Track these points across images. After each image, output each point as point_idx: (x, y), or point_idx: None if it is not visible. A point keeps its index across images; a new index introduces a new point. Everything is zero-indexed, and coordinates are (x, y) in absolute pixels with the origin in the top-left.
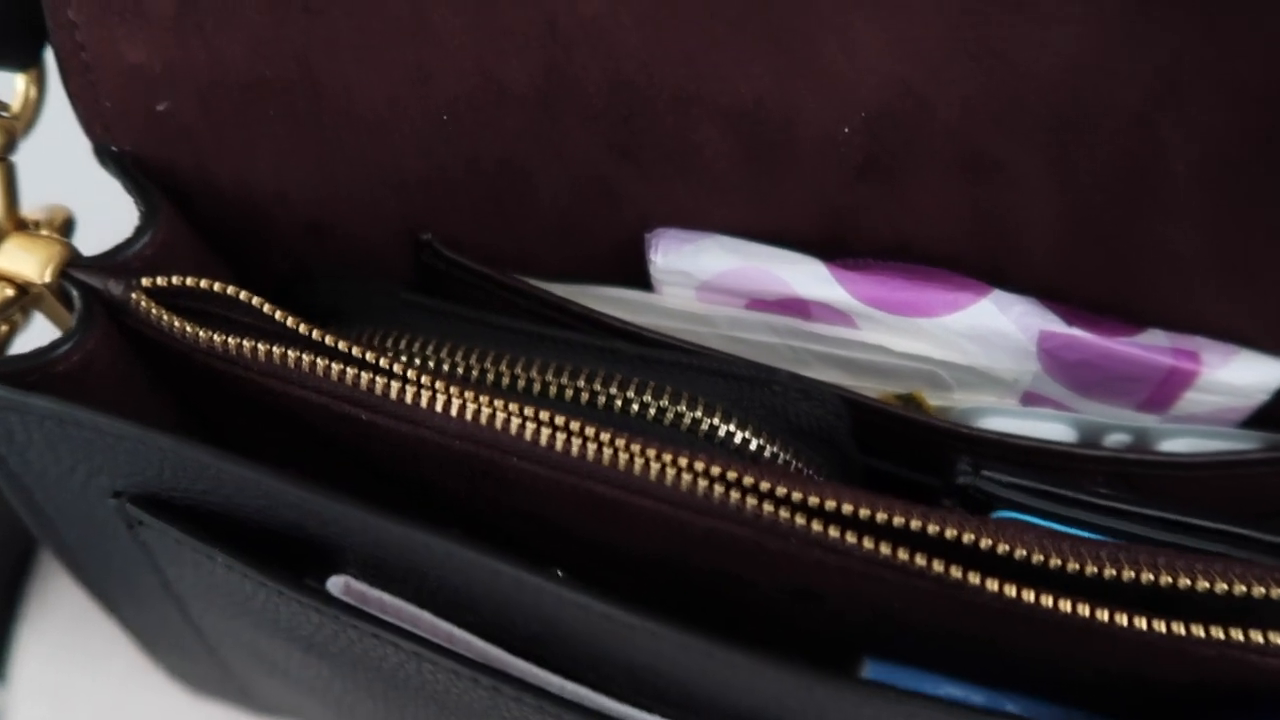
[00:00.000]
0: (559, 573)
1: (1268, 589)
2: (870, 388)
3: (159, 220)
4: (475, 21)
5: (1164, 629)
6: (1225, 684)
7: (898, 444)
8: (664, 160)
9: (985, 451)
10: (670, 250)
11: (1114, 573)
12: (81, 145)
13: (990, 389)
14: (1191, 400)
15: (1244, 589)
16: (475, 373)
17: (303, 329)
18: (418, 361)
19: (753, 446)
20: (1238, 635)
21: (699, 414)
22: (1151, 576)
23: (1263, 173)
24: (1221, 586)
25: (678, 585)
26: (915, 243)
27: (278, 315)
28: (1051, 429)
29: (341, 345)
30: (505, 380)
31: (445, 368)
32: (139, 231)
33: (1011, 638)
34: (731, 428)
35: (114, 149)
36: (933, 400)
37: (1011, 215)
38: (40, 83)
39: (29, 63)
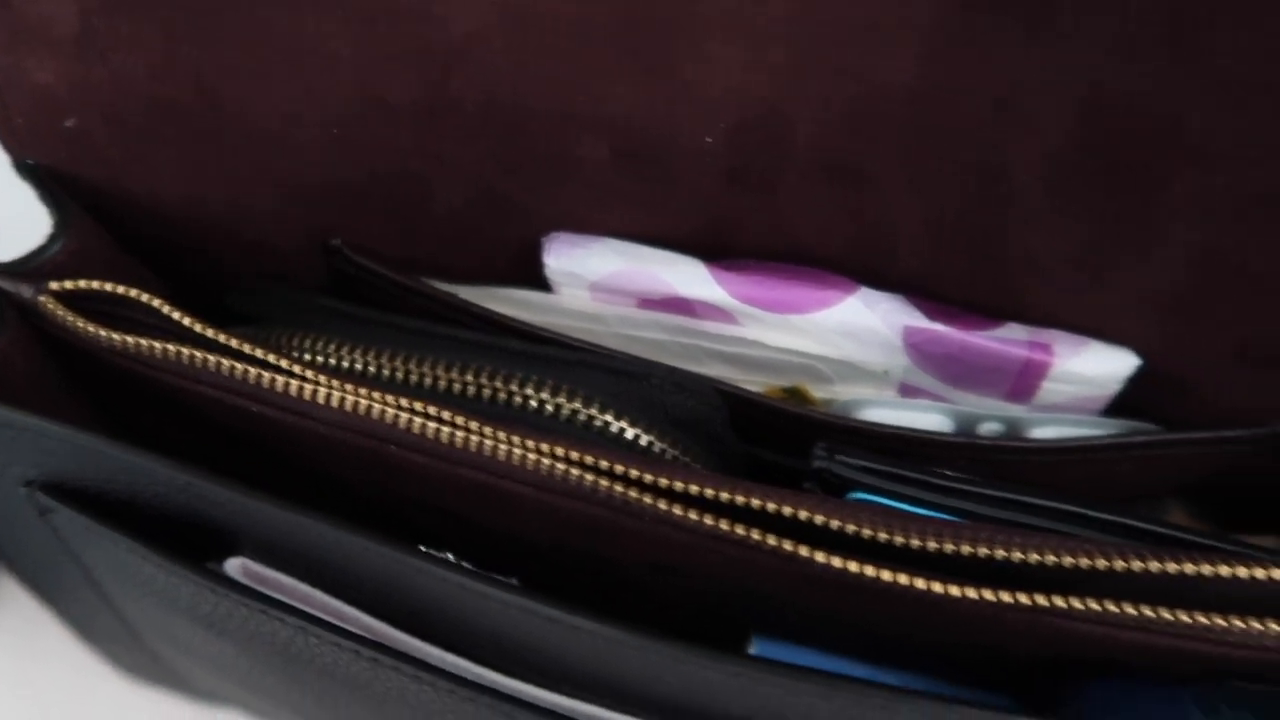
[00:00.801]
0: (450, 556)
1: (1091, 559)
2: (758, 381)
3: (70, 229)
4: (356, 46)
5: (976, 595)
6: (1071, 654)
7: (774, 433)
8: (548, 171)
9: (852, 439)
10: (561, 253)
11: (947, 547)
12: (1, 158)
13: (867, 382)
14: (1050, 390)
15: (1060, 560)
16: (374, 370)
17: (198, 328)
18: (319, 360)
19: (629, 435)
20: (1043, 601)
21: (578, 406)
22: (976, 550)
23: (1099, 179)
24: (1047, 558)
25: (564, 570)
26: (793, 245)
27: (175, 315)
28: (928, 419)
29: (234, 343)
30: (400, 376)
31: (346, 365)
32: (51, 239)
33: (868, 613)
34: (609, 418)
35: (29, 162)
36: (816, 393)
37: (876, 219)
38: None
39: None
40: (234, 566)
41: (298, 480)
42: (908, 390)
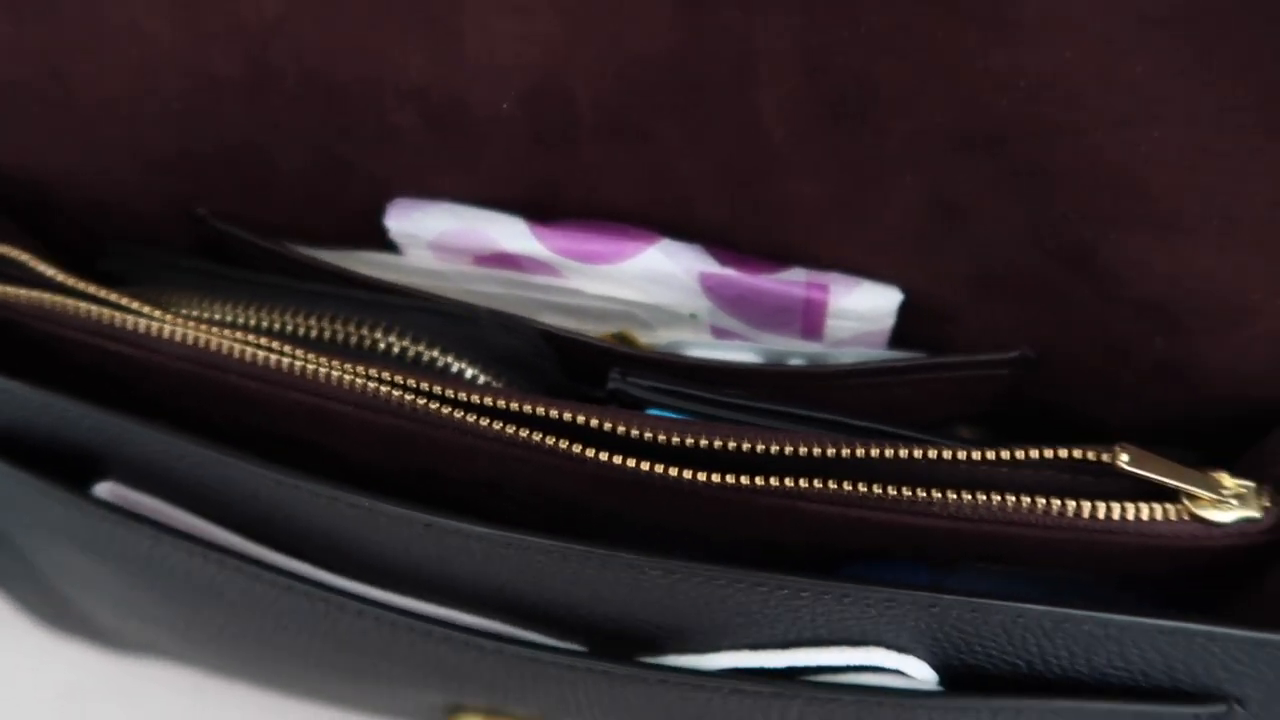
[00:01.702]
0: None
1: (824, 450)
2: (590, 328)
3: None
4: (177, 26)
5: (719, 480)
6: (834, 544)
7: (601, 371)
8: (375, 138)
9: (663, 370)
10: (401, 216)
11: (702, 443)
12: None
13: (681, 325)
14: (835, 326)
15: (793, 449)
16: (230, 318)
17: (61, 278)
18: (181, 312)
19: (454, 369)
20: (774, 482)
21: (408, 343)
22: (726, 444)
23: (833, 131)
24: (785, 448)
25: (412, 497)
26: (602, 202)
27: (41, 268)
28: (741, 357)
29: (92, 290)
30: (253, 323)
31: (205, 316)
32: None
33: (657, 513)
34: (436, 354)
35: None
36: (642, 338)
37: (666, 175)
38: None
39: None
40: (103, 489)
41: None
42: (719, 332)
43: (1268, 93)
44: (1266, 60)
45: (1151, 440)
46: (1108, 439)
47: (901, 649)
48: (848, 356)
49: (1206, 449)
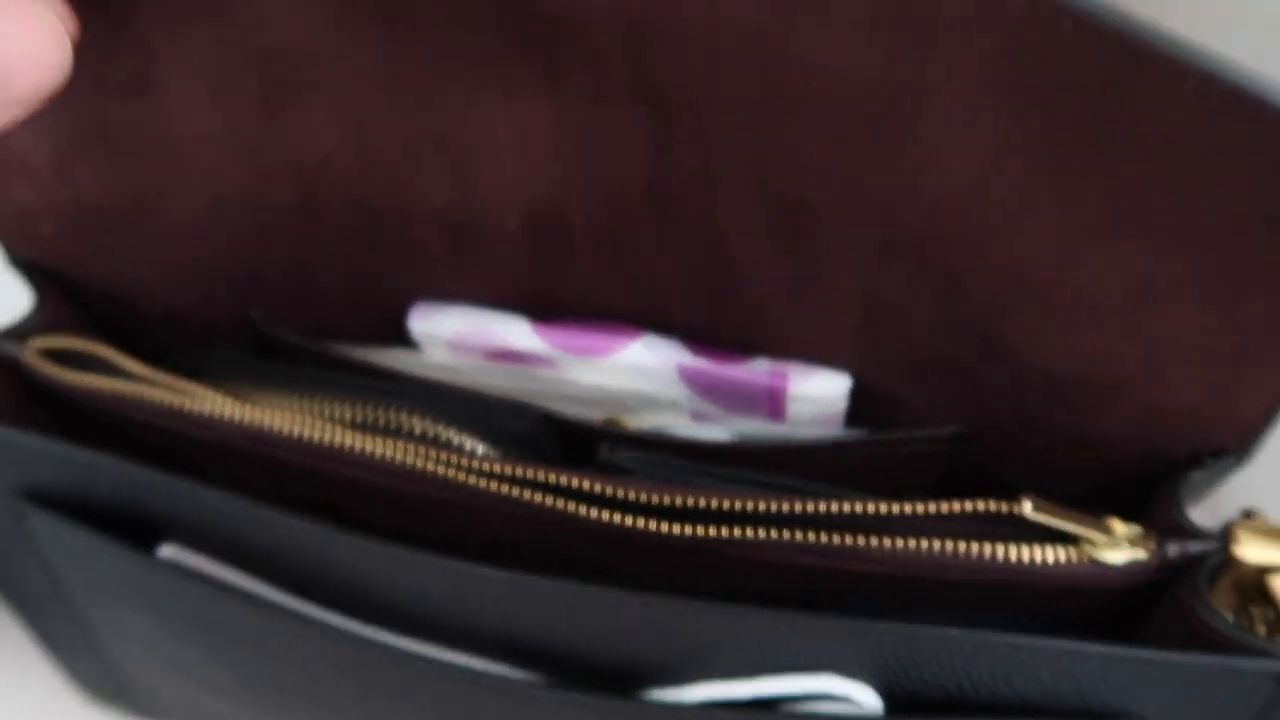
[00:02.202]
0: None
1: (781, 505)
2: (586, 413)
3: (45, 304)
4: (247, 166)
5: (704, 533)
6: (808, 590)
7: (589, 447)
8: (402, 254)
9: (646, 446)
10: (421, 318)
11: (680, 501)
12: None
13: (664, 410)
14: (796, 409)
15: (758, 506)
16: (273, 407)
17: (140, 370)
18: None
19: (469, 447)
20: (750, 534)
21: (429, 424)
22: (687, 501)
23: (779, 239)
24: (750, 505)
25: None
26: (594, 304)
27: (122, 362)
28: (716, 437)
29: (165, 379)
30: (296, 409)
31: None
32: (33, 312)
33: (646, 569)
34: (453, 434)
35: (16, 257)
36: (630, 421)
37: (648, 281)
38: None
39: None
40: (167, 551)
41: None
42: (697, 416)
43: (1104, 204)
44: (1098, 180)
45: (1081, 500)
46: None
47: (852, 676)
48: (808, 435)
49: (1128, 506)
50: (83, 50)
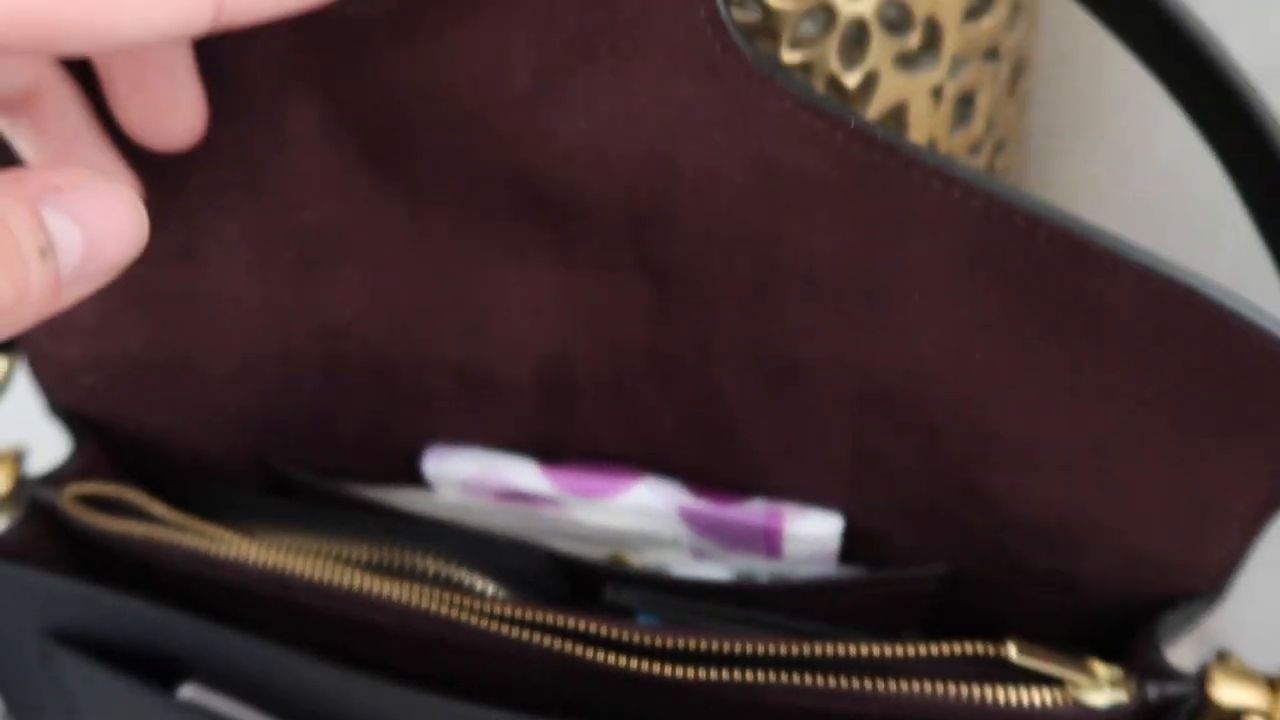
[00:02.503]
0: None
1: (779, 648)
2: (590, 551)
3: (82, 451)
4: (279, 327)
5: (705, 675)
6: None
7: (594, 585)
8: (418, 401)
9: (649, 585)
10: (434, 461)
11: (682, 644)
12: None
13: (666, 548)
14: (792, 548)
15: (756, 648)
16: (295, 549)
17: (167, 514)
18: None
19: (479, 587)
20: (749, 677)
21: (440, 565)
22: (678, 643)
23: (783, 396)
24: (749, 648)
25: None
26: (597, 447)
27: (153, 508)
28: (716, 574)
29: (192, 524)
30: (314, 549)
31: (276, 543)
32: (70, 458)
33: (651, 706)
34: (464, 574)
35: (57, 405)
36: (633, 559)
37: (650, 427)
38: (13, 364)
39: (8, 351)
40: (187, 691)
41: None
42: (697, 554)
43: (1065, 372)
44: (1058, 351)
45: (1066, 638)
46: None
47: None
48: (804, 573)
49: (1111, 643)
50: None
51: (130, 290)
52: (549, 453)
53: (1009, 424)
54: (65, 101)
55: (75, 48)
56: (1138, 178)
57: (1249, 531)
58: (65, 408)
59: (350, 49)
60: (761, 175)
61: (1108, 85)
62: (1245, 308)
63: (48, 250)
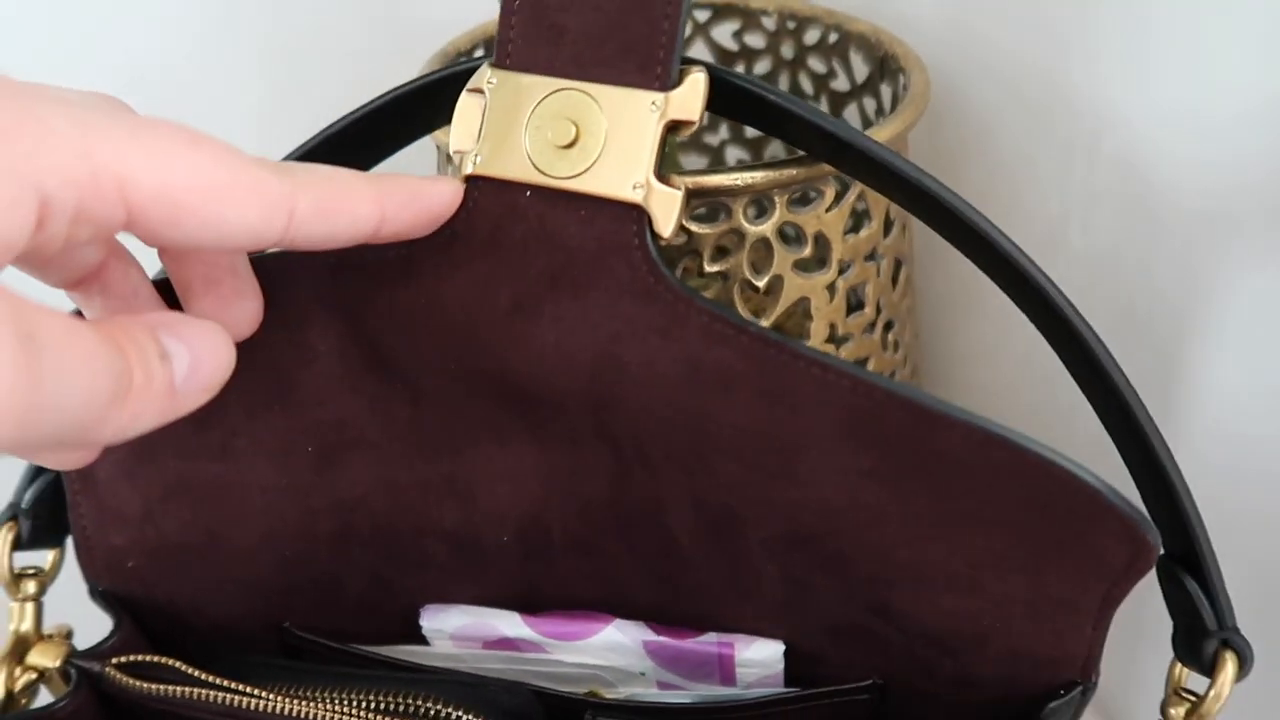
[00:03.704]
0: None
1: None
2: (570, 688)
3: (121, 627)
4: (299, 505)
5: None
6: None
7: (574, 716)
8: (417, 566)
9: (623, 711)
10: (430, 617)
11: None
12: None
13: (635, 681)
14: (744, 673)
15: None
16: (312, 698)
17: (200, 675)
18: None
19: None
20: None
21: (441, 706)
22: None
23: (724, 540)
24: None
25: None
26: (573, 596)
27: (188, 670)
28: (679, 701)
29: (224, 683)
30: (328, 702)
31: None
32: (110, 634)
33: None
34: (461, 713)
35: (99, 588)
36: (607, 693)
37: (615, 576)
38: (61, 554)
39: (57, 544)
40: None
41: None
42: (662, 685)
43: (934, 505)
44: (925, 490)
45: None
46: None
47: None
48: (755, 694)
49: None
50: (179, 424)
51: (171, 484)
52: (530, 604)
53: (901, 549)
54: (128, 265)
55: (184, 233)
56: (1017, 337)
57: (1098, 625)
58: (106, 591)
59: (367, 281)
60: (689, 369)
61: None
62: (1046, 450)
63: (165, 355)
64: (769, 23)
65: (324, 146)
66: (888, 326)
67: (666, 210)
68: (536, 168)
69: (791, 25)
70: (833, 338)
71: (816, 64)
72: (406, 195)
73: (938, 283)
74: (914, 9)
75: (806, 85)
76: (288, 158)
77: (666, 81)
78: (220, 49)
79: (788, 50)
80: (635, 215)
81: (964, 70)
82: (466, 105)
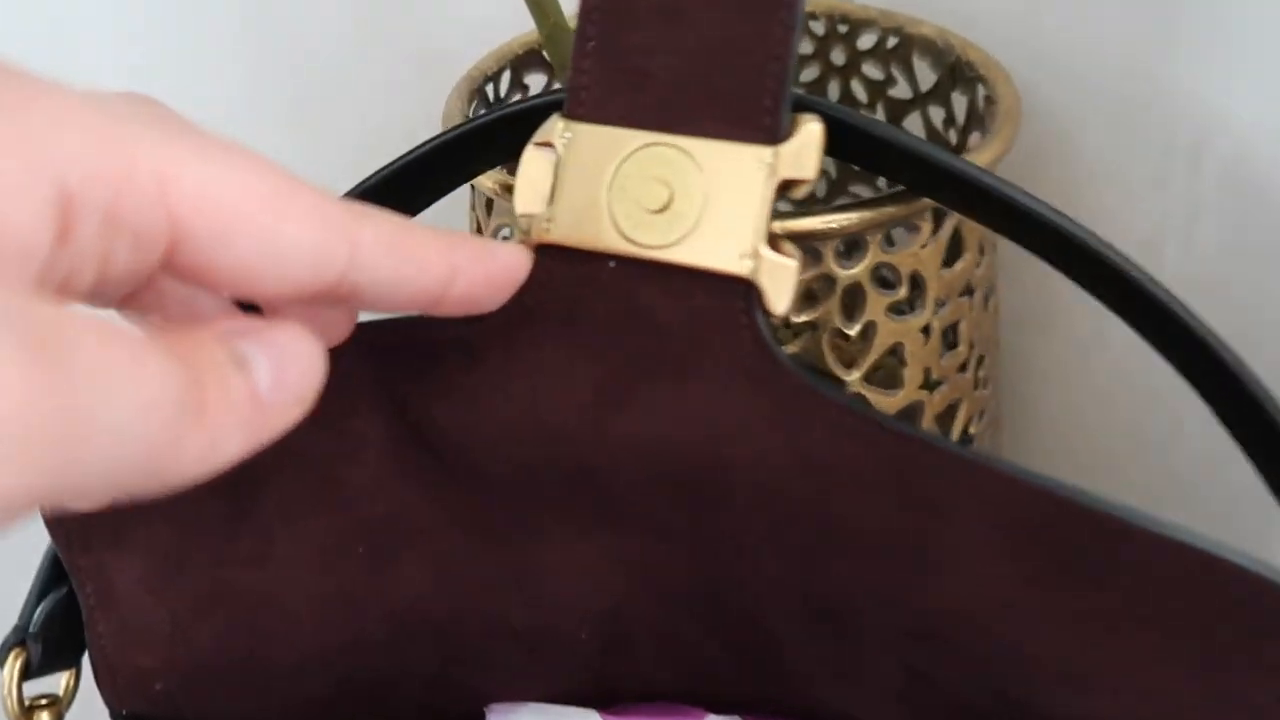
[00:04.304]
0: None
1: None
2: None
3: None
4: (349, 613)
5: None
6: None
7: None
8: (479, 665)
9: None
10: (497, 717)
11: None
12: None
13: None
14: None
15: None
16: None
17: None
18: None
19: None
20: None
21: None
22: None
23: (831, 631)
24: None
25: None
26: (656, 690)
27: None
28: None
29: None
30: None
31: None
32: None
33: None
34: None
35: (123, 712)
36: None
37: (703, 665)
38: (77, 676)
39: (72, 665)
40: None
41: None
42: None
43: (1100, 607)
44: (1090, 592)
45: None
46: None
47: None
48: None
49: None
50: (207, 529)
51: (202, 596)
52: (608, 700)
53: (1052, 648)
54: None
55: (236, 255)
56: (1102, 357)
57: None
58: (132, 715)
59: (420, 367)
60: (808, 466)
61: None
62: (1239, 556)
63: (242, 361)
64: (817, 27)
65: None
66: (980, 361)
67: (780, 283)
68: (622, 235)
69: (843, 29)
70: (927, 382)
71: (872, 70)
72: (476, 250)
73: (1014, 300)
74: (974, 5)
75: (860, 92)
76: None
77: (775, 133)
78: (234, 82)
79: (838, 56)
80: (742, 290)
81: (1037, 72)
82: (533, 162)
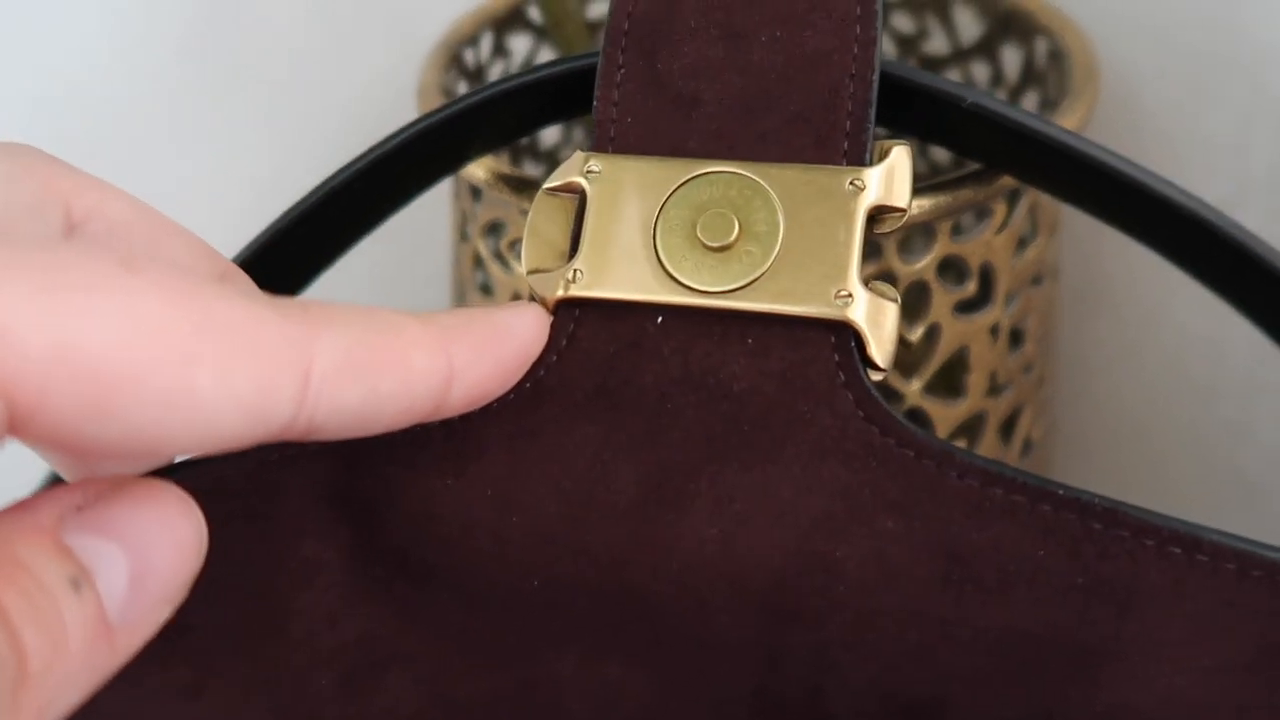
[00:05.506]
0: None
1: None
2: None
3: None
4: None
5: None
6: None
7: None
8: None
9: None
10: None
11: None
12: None
13: None
14: None
15: None
16: None
17: None
18: None
19: None
20: None
21: None
22: None
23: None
24: None
25: None
26: None
27: None
28: None
29: None
30: None
31: None
32: None
33: None
34: None
35: None
36: None
37: None
38: None
39: None
40: None
41: None
42: None
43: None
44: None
45: None
46: None
47: None
48: None
49: None
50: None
51: None
52: None
53: None
54: None
55: (118, 428)
56: (1162, 344)
57: None
58: None
59: (387, 466)
60: (944, 560)
61: (1133, 253)
62: None
63: (80, 579)
64: None
65: (327, 205)
66: (1044, 352)
67: (881, 330)
68: (675, 280)
69: None
70: (993, 388)
71: (903, 23)
72: (480, 338)
73: (1073, 281)
74: None
75: (888, 48)
76: (271, 225)
77: (859, 156)
78: (187, 54)
79: None
80: (835, 339)
81: (1100, 25)
82: (546, 212)
